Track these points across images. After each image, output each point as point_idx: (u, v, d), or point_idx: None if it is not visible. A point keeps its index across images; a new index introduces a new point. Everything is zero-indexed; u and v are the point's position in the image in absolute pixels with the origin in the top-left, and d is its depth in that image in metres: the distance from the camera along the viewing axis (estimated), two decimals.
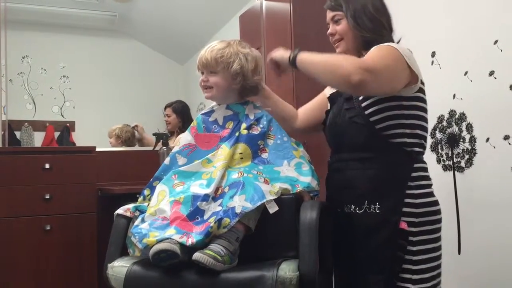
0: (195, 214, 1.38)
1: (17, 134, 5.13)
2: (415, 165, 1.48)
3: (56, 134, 5.40)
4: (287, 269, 1.27)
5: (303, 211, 1.37)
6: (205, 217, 1.38)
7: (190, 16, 4.98)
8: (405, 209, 1.43)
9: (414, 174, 1.47)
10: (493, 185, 2.16)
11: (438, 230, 1.49)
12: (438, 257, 1.48)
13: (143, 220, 1.45)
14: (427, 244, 1.45)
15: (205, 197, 1.41)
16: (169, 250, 1.27)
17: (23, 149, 4.04)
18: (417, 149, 1.50)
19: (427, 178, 1.51)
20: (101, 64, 5.70)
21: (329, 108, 1.68)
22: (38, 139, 5.28)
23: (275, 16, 3.18)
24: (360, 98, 1.51)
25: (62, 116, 5.57)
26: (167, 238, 1.31)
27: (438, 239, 1.49)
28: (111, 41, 5.81)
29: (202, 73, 1.60)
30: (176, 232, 1.34)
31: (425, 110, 1.52)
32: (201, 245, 1.32)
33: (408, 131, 1.47)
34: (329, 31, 1.63)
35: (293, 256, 1.37)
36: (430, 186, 1.51)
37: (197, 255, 1.27)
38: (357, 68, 1.32)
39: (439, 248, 1.49)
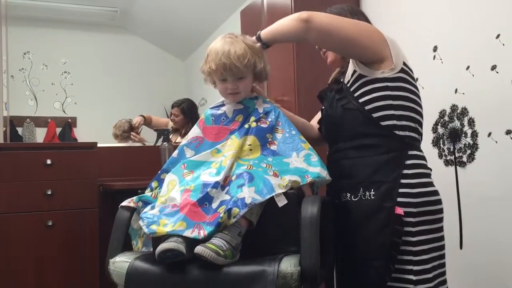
0: (204, 200, 1.39)
1: (19, 130, 5.14)
2: (410, 152, 1.48)
3: (58, 130, 5.42)
4: (288, 264, 1.27)
5: (304, 206, 1.37)
6: (213, 205, 1.38)
7: (191, 12, 4.97)
8: (403, 199, 1.43)
9: (409, 162, 1.46)
10: (495, 180, 2.16)
11: (439, 220, 1.49)
12: (441, 247, 1.49)
13: (152, 208, 1.45)
14: (428, 234, 1.44)
15: (215, 184, 1.41)
16: (175, 250, 1.27)
17: (24, 145, 4.05)
18: (410, 134, 1.50)
19: (424, 166, 1.51)
20: (102, 59, 5.70)
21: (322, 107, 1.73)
22: (40, 135, 5.29)
23: (276, 11, 3.17)
24: (348, 84, 1.54)
25: (64, 112, 5.58)
26: (175, 236, 1.31)
27: (440, 229, 1.49)
28: (112, 37, 5.81)
29: (225, 79, 1.58)
30: (186, 226, 1.34)
31: (412, 92, 1.52)
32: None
33: (397, 112, 1.48)
34: (317, 46, 1.72)
35: (294, 251, 1.37)
36: (428, 175, 1.50)
37: (199, 249, 1.27)
38: (303, 11, 1.47)
39: (441, 238, 1.49)
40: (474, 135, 2.26)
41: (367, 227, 1.45)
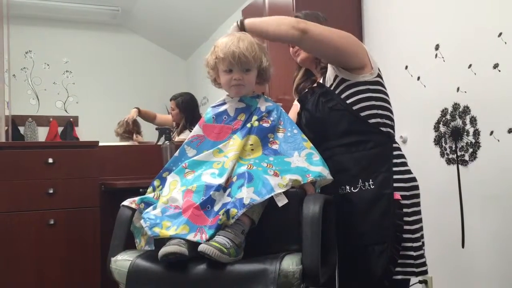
0: (207, 203, 1.39)
1: (21, 129, 5.16)
2: (394, 145, 1.64)
3: (60, 129, 5.43)
4: (290, 263, 1.27)
5: (306, 205, 1.37)
6: (216, 208, 1.38)
7: (193, 10, 4.97)
8: (397, 184, 1.57)
9: (395, 153, 1.62)
10: (497, 179, 2.16)
11: (420, 202, 1.65)
12: (422, 226, 1.63)
13: (154, 208, 1.45)
14: (418, 215, 1.60)
15: (218, 187, 1.41)
16: (177, 253, 1.28)
17: (26, 143, 4.05)
18: (390, 130, 1.65)
19: (405, 156, 1.66)
20: (104, 59, 5.71)
21: (299, 110, 1.80)
22: (41, 134, 5.31)
23: (278, 9, 3.17)
24: (332, 87, 1.65)
25: (66, 111, 5.59)
26: (178, 238, 1.32)
27: (420, 211, 1.64)
28: (114, 36, 5.82)
29: (230, 70, 1.57)
30: (189, 230, 1.34)
31: (386, 94, 1.69)
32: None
33: (379, 111, 1.63)
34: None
35: (296, 250, 1.37)
36: (407, 163, 1.66)
37: (203, 247, 1.27)
38: (299, 20, 1.58)
39: (421, 218, 1.64)
40: (476, 133, 2.25)
41: (371, 214, 1.54)
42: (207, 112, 1.66)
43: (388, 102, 1.67)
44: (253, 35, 1.60)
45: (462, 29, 2.34)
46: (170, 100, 3.63)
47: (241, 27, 1.62)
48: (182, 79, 6.00)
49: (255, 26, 1.62)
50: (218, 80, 1.64)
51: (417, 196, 1.62)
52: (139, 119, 3.90)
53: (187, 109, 3.50)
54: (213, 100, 1.72)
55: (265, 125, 1.57)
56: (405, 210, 1.55)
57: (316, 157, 1.52)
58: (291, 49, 1.86)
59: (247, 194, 1.35)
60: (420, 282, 2.43)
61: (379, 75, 1.67)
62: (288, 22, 1.56)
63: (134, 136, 3.82)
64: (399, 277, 1.53)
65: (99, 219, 2.67)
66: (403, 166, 1.61)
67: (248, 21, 1.63)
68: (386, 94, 1.68)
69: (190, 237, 1.32)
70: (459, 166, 2.35)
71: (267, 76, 1.65)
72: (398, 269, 1.52)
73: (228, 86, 1.61)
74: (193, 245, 1.31)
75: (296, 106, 1.91)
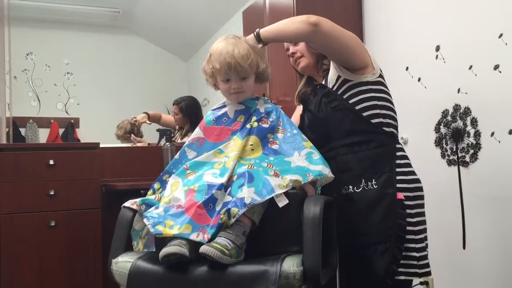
0: (209, 202, 1.39)
1: (22, 130, 5.16)
2: (397, 145, 1.65)
3: (61, 130, 5.43)
4: (291, 264, 1.27)
5: (307, 206, 1.37)
6: (217, 207, 1.39)
7: (193, 12, 4.97)
8: (401, 185, 1.57)
9: (398, 153, 1.62)
10: (498, 180, 2.16)
11: (424, 203, 1.65)
12: (426, 227, 1.64)
13: (157, 208, 1.46)
14: (422, 217, 1.61)
15: (220, 186, 1.42)
16: (178, 254, 1.28)
17: (27, 145, 4.05)
18: (393, 130, 1.66)
19: (408, 158, 1.67)
20: (104, 60, 5.71)
21: (302, 112, 1.81)
22: (42, 135, 5.30)
23: (278, 11, 3.17)
24: (335, 88, 1.66)
25: (67, 112, 5.59)
26: (180, 238, 1.32)
27: (424, 212, 1.64)
28: (114, 38, 5.82)
29: (228, 80, 1.58)
30: (192, 229, 1.34)
31: (389, 94, 1.70)
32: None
33: (382, 111, 1.64)
34: (290, 51, 1.85)
35: (297, 251, 1.37)
36: (411, 165, 1.66)
37: (204, 248, 1.27)
38: (310, 15, 1.56)
39: (425, 219, 1.65)
40: (477, 134, 2.25)
41: (374, 213, 1.54)
42: (207, 115, 1.67)
43: (391, 102, 1.68)
44: (271, 41, 1.63)
45: (462, 30, 2.34)
46: (173, 104, 3.62)
47: (258, 37, 1.62)
48: (182, 80, 6.00)
49: (269, 33, 1.62)
50: (218, 86, 1.65)
51: (421, 197, 1.62)
52: None
53: (191, 113, 3.51)
54: (214, 101, 1.72)
55: (264, 125, 1.58)
56: (408, 211, 1.56)
57: (316, 156, 1.52)
58: (291, 58, 1.87)
59: (248, 194, 1.35)
60: (421, 283, 2.42)
61: (381, 76, 1.68)
62: (299, 19, 1.57)
63: (134, 139, 3.81)
64: (402, 277, 1.53)
65: (100, 221, 2.68)
66: (406, 167, 1.62)
67: (262, 30, 1.64)
68: (388, 94, 1.69)
69: (193, 237, 1.33)
70: (460, 167, 2.35)
71: (265, 77, 1.66)
72: (400, 269, 1.53)
73: (227, 94, 1.63)
74: (194, 246, 1.32)
75: (299, 110, 1.92)
